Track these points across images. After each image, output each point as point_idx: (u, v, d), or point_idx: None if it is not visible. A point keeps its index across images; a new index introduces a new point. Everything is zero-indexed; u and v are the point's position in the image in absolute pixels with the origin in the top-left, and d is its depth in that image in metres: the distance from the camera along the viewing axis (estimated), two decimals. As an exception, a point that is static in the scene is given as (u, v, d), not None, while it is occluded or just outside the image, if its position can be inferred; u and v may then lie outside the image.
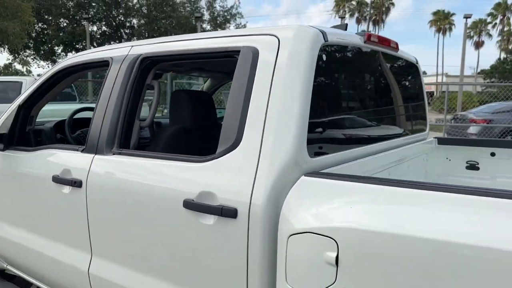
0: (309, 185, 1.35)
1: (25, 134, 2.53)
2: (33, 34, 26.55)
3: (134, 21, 28.70)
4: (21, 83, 8.96)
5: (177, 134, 2.11)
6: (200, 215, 1.51)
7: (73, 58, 2.38)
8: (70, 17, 28.12)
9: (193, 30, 26.93)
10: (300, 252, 1.28)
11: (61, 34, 27.64)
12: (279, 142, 1.41)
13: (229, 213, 1.43)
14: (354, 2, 53.93)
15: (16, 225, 2.43)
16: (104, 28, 29.31)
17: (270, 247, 1.38)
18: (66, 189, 2.01)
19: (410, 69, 2.49)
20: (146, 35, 27.92)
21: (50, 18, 27.71)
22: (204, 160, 1.56)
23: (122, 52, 2.06)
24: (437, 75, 56.19)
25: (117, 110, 1.93)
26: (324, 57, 1.55)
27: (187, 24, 26.91)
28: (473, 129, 11.65)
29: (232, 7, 29.24)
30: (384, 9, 54.44)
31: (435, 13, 56.24)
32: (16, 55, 29.62)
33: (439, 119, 13.60)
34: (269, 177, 1.39)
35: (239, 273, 1.44)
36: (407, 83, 2.49)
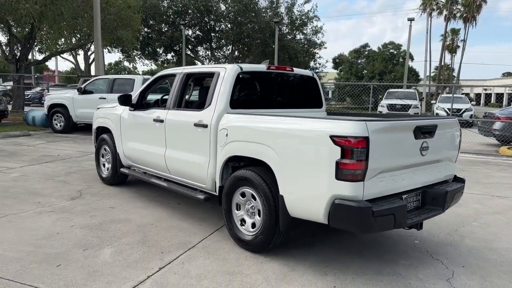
0: (226, 116, 4.36)
1: (142, 104, 5.85)
2: (140, 38, 31.50)
3: (223, 26, 32.36)
4: (134, 80, 12.56)
5: (200, 102, 5.22)
6: (198, 128, 4.58)
7: (162, 72, 5.67)
8: (170, 22, 32.48)
9: (273, 32, 29.89)
10: (221, 134, 4.31)
11: (162, 38, 32.21)
12: (220, 105, 4.42)
13: (205, 126, 4.49)
14: (443, 0, 53.09)
15: (136, 142, 5.76)
16: (197, 32, 33.43)
17: (215, 135, 4.40)
18: (158, 124, 5.22)
19: (309, 79, 5.32)
20: (232, 38, 31.50)
21: (154, 24, 32.30)
22: (200, 110, 4.64)
23: (180, 71, 5.23)
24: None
25: (177, 93, 5.10)
26: (241, 75, 4.52)
27: (267, 28, 29.85)
28: (497, 125, 13.28)
29: (309, 11, 31.76)
30: (475, 6, 52.79)
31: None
32: (126, 55, 35.08)
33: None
34: (216, 114, 4.41)
35: (207, 145, 4.49)
36: (306, 85, 5.33)
